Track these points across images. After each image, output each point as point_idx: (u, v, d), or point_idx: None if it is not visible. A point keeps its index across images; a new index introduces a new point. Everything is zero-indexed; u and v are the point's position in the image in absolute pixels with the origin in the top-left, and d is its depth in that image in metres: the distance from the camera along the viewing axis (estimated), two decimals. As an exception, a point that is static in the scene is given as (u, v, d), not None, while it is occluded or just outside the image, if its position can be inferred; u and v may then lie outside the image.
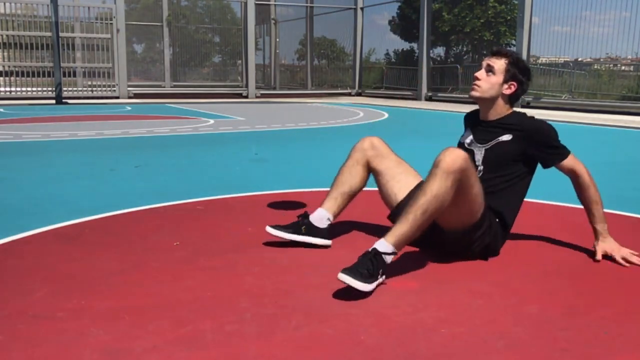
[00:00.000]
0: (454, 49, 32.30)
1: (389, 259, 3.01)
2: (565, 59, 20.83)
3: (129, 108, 17.53)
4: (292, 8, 32.72)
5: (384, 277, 3.00)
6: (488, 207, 3.39)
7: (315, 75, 32.10)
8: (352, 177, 3.69)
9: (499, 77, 3.59)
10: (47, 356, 2.23)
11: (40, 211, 4.57)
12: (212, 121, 13.09)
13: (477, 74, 3.65)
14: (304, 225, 3.58)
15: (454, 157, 3.08)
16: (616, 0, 17.57)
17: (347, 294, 2.87)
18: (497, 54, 3.65)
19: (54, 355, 2.24)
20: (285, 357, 2.25)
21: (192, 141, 9.55)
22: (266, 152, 8.14)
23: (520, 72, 3.62)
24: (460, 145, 3.73)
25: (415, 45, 29.44)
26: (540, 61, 21.90)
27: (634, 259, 3.35)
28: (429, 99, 23.40)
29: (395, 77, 28.59)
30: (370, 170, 3.75)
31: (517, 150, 3.54)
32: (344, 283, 2.83)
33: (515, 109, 3.72)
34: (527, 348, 2.35)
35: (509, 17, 29.03)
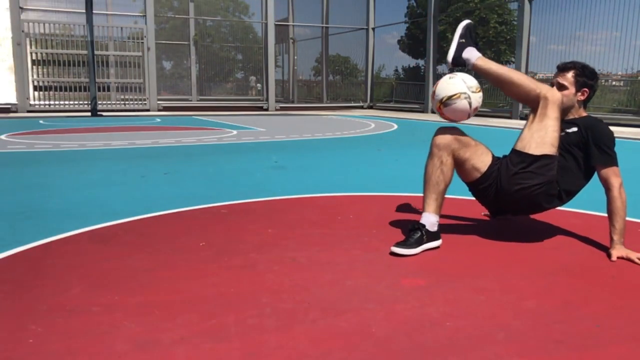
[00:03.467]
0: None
1: (433, 227, 3.62)
2: (561, 75, 20.75)
3: (159, 120, 17.59)
4: (309, 28, 32.74)
5: (437, 241, 3.64)
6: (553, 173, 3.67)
7: (330, 89, 32.08)
8: (444, 175, 3.69)
9: (571, 89, 3.79)
10: (82, 347, 2.24)
11: (77, 214, 4.58)
12: (235, 132, 13.11)
13: None
14: (424, 235, 3.57)
15: (555, 91, 3.73)
16: (607, 21, 17.50)
17: (360, 290, 2.88)
18: (564, 69, 3.84)
19: (89, 346, 2.25)
20: (302, 347, 2.25)
21: (217, 150, 9.56)
22: (285, 160, 8.14)
23: (588, 78, 3.79)
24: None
25: (422, 62, 29.38)
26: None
27: None
28: (434, 111, 23.32)
29: (403, 92, 28.52)
30: (455, 160, 3.75)
31: (579, 140, 3.71)
32: (399, 255, 3.39)
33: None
34: (525, 340, 2.34)
35: (508, 37, 28.94)
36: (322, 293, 2.87)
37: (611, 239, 3.55)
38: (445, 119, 3.89)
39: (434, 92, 3.86)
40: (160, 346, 2.25)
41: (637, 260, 3.36)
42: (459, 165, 3.74)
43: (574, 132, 3.76)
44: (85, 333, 2.36)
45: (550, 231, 4.04)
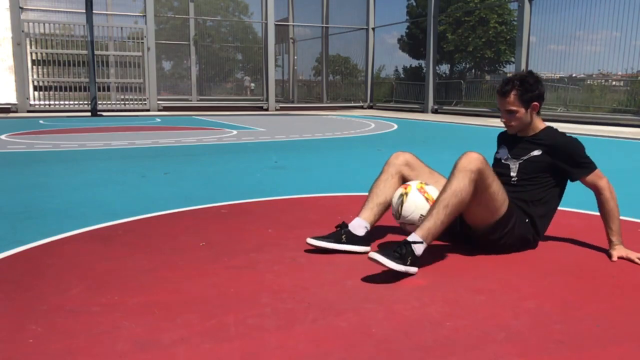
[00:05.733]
0: (458, 66, 32.17)
1: (419, 249, 3.10)
2: (561, 75, 20.77)
3: (159, 120, 17.61)
4: (308, 28, 32.75)
5: (415, 268, 3.10)
6: (521, 211, 3.54)
7: (330, 89, 32.10)
8: (387, 188, 3.66)
9: (520, 111, 3.59)
10: (82, 347, 2.24)
11: (77, 214, 4.59)
12: (235, 132, 13.12)
13: (504, 120, 3.70)
14: (344, 234, 3.52)
15: (470, 159, 3.20)
16: (607, 21, 17.54)
17: (360, 290, 2.88)
18: (504, 94, 3.59)
19: (89, 346, 2.25)
20: (302, 347, 2.25)
21: (217, 150, 9.56)
22: (285, 160, 8.14)
23: (531, 91, 3.58)
24: (497, 161, 3.82)
25: (422, 63, 29.40)
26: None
27: None
28: (435, 111, 23.40)
29: (403, 92, 28.54)
30: (404, 181, 3.72)
31: (546, 163, 3.60)
32: (376, 262, 2.99)
33: (548, 124, 3.77)
34: (525, 340, 2.34)
35: (508, 37, 28.92)
36: (322, 293, 2.87)
37: (610, 241, 3.54)
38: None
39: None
40: (160, 346, 2.25)
41: (637, 260, 3.37)
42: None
43: (537, 157, 3.62)
44: (85, 333, 2.36)
45: (550, 231, 4.04)
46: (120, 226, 4.19)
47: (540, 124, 3.73)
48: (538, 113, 3.70)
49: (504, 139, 3.90)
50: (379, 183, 3.72)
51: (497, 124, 14.56)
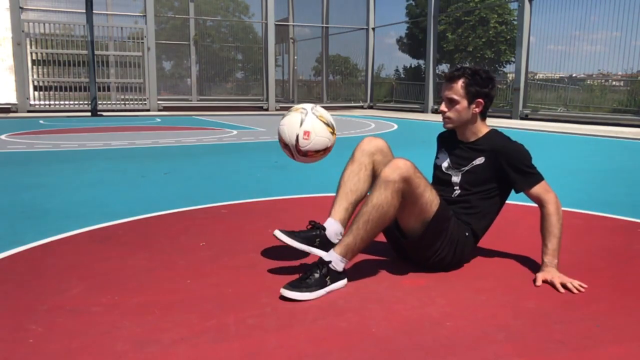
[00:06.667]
0: (458, 65, 32.17)
1: (339, 266, 2.91)
2: (561, 75, 20.78)
3: (159, 120, 17.61)
4: (308, 28, 32.74)
5: (342, 282, 2.94)
6: (459, 222, 3.23)
7: (330, 89, 32.10)
8: (360, 183, 3.30)
9: (463, 103, 3.28)
10: (82, 347, 2.24)
11: (77, 214, 4.59)
12: (235, 132, 13.12)
13: (442, 108, 3.37)
14: (318, 238, 3.19)
15: (394, 167, 2.94)
16: (607, 21, 17.54)
17: (360, 290, 2.88)
18: (451, 79, 3.32)
19: (89, 346, 2.25)
20: (302, 347, 2.25)
21: (217, 150, 9.57)
22: (285, 160, 8.11)
23: (481, 86, 3.28)
24: (437, 167, 3.52)
25: (422, 62, 29.40)
26: (537, 77, 21.81)
27: (569, 286, 2.93)
28: (435, 111, 23.37)
29: (403, 92, 28.54)
30: (376, 175, 3.29)
31: (490, 172, 3.28)
32: (289, 300, 2.75)
33: (494, 127, 3.43)
34: (525, 340, 2.34)
35: (508, 37, 28.94)
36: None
37: (542, 261, 3.15)
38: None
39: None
40: (160, 346, 2.25)
41: (559, 288, 2.93)
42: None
43: (479, 167, 3.31)
44: (85, 333, 2.36)
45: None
46: (120, 226, 4.19)
47: (483, 129, 3.38)
48: (483, 116, 3.37)
49: (443, 142, 3.61)
50: (350, 176, 3.33)
51: (499, 123, 14.57)
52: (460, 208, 3.28)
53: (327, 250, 3.05)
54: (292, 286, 2.80)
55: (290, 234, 3.16)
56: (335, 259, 2.91)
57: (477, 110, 3.31)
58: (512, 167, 3.22)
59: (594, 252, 3.64)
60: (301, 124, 3.32)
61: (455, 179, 3.36)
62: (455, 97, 3.27)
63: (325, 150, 3.43)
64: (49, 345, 2.25)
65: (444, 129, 3.52)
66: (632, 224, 4.37)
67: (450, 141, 3.50)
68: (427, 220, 3.06)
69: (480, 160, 3.30)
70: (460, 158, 3.38)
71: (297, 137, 3.32)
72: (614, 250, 3.66)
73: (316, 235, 3.20)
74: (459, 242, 3.19)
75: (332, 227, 3.24)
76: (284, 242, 3.12)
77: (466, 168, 3.34)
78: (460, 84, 3.27)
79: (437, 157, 3.57)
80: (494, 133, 3.39)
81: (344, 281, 2.96)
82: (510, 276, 3.16)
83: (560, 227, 3.15)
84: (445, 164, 3.45)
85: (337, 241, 3.15)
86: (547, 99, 21.33)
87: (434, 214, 3.06)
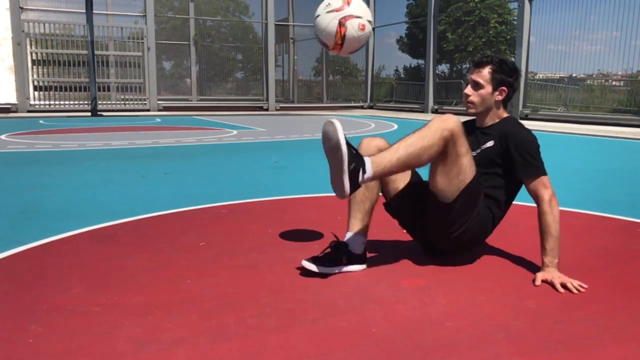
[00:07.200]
0: (458, 65, 32.19)
1: (366, 173, 2.87)
2: (561, 75, 20.79)
3: (159, 120, 17.60)
4: (308, 28, 32.68)
5: (356, 266, 3.18)
6: (485, 202, 3.25)
7: (330, 89, 32.11)
8: (370, 192, 3.30)
9: (487, 88, 3.36)
10: (82, 347, 2.24)
11: (77, 214, 4.58)
12: (235, 132, 13.12)
13: (466, 91, 3.44)
14: (344, 255, 3.16)
15: (446, 118, 3.02)
16: (607, 21, 17.55)
17: (360, 290, 2.88)
18: (479, 65, 3.40)
19: (89, 346, 2.25)
20: (302, 347, 2.25)
21: (217, 150, 9.56)
22: (285, 160, 8.14)
23: (506, 75, 3.36)
24: None
25: (422, 62, 29.41)
26: (537, 77, 21.82)
27: (569, 286, 2.92)
28: (435, 111, 23.40)
29: (403, 92, 28.55)
30: None
31: (499, 154, 3.31)
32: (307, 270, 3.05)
33: (510, 115, 3.49)
34: (525, 339, 2.34)
35: (508, 37, 28.95)
36: (322, 293, 2.87)
37: (542, 261, 3.15)
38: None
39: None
40: (160, 346, 2.25)
41: (559, 288, 2.93)
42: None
43: (489, 149, 3.36)
44: (85, 333, 2.36)
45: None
46: (120, 226, 4.19)
47: (502, 114, 3.46)
48: (504, 105, 3.46)
49: (465, 128, 3.55)
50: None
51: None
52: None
53: (355, 263, 3.20)
54: (312, 260, 3.08)
55: (317, 260, 3.15)
56: (368, 162, 2.88)
57: (500, 97, 3.39)
58: (517, 152, 3.24)
59: (594, 252, 3.63)
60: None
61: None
62: (481, 81, 3.36)
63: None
64: (49, 345, 2.25)
65: (466, 118, 3.54)
66: (632, 224, 4.37)
67: (468, 128, 3.46)
68: (461, 186, 3.09)
69: (490, 144, 3.36)
70: (475, 143, 3.40)
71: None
72: (614, 250, 3.66)
73: (341, 253, 3.18)
74: (483, 223, 3.27)
75: (354, 239, 3.23)
76: (313, 270, 3.10)
77: (478, 151, 3.37)
78: (487, 69, 3.36)
79: None
80: (508, 119, 3.46)
81: (363, 265, 3.19)
82: (510, 276, 3.16)
83: (557, 227, 3.14)
84: None
85: (360, 251, 3.22)
86: (547, 99, 21.35)
87: (469, 181, 3.09)
